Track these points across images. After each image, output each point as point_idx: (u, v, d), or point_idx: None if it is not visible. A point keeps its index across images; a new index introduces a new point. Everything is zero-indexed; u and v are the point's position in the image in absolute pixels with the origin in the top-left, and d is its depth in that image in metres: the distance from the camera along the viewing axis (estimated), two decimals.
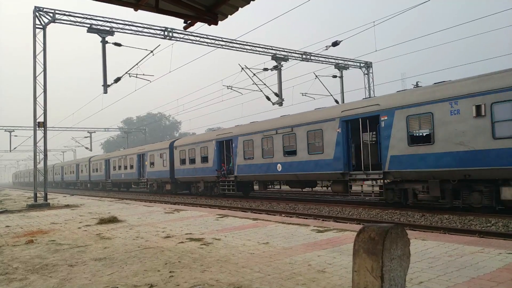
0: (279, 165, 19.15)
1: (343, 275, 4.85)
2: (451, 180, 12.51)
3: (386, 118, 14.06)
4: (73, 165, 56.88)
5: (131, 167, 36.27)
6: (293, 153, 18.21)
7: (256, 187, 24.70)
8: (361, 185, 15.31)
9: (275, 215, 13.88)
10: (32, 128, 19.65)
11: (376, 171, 14.63)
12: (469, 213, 12.24)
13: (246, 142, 21.43)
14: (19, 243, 8.31)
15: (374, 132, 15.70)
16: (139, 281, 5.01)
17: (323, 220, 12.40)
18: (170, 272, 5.39)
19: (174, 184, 29.68)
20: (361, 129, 15.49)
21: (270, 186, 22.77)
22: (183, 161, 27.79)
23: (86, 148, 57.06)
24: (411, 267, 3.68)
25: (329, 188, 18.03)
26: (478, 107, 11.57)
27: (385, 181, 14.44)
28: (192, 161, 26.63)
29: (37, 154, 20.06)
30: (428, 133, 13.04)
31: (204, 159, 25.27)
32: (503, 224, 10.43)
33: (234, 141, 22.45)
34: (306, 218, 12.62)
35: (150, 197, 29.01)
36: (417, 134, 13.53)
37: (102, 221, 11.26)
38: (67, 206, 18.68)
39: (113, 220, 11.45)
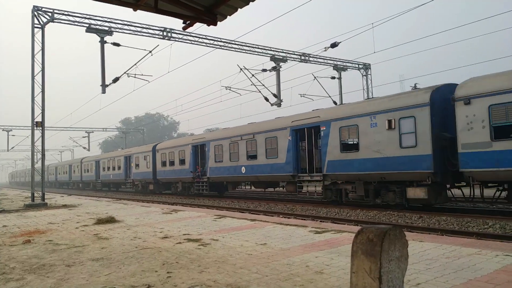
0: (243, 167, 21.61)
1: (341, 276, 4.86)
2: (372, 181, 14.84)
3: (324, 128, 16.67)
4: (66, 165, 59.12)
5: (119, 168, 38.71)
6: (254, 157, 20.71)
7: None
8: (307, 186, 18.11)
9: (273, 216, 13.89)
10: (30, 128, 19.59)
11: (318, 174, 17.13)
12: (466, 215, 12.28)
13: (217, 146, 23.85)
14: (16, 243, 8.28)
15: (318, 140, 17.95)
16: (136, 282, 5.00)
17: (321, 221, 12.40)
18: (167, 272, 5.38)
19: (156, 184, 31.93)
20: (306, 137, 18.19)
21: (239, 187, 25.84)
22: (164, 163, 30.19)
23: (84, 148, 56.92)
24: (408, 268, 3.68)
25: (284, 188, 20.52)
26: (389, 121, 13.92)
27: (325, 182, 16.76)
28: (172, 163, 29.00)
29: (35, 154, 20.01)
30: (355, 142, 15.46)
31: (182, 162, 27.58)
32: (500, 226, 10.46)
33: (207, 145, 24.90)
34: (304, 219, 12.62)
35: (148, 197, 29.14)
36: (347, 143, 15.91)
37: (100, 221, 11.24)
38: (64, 206, 18.63)
39: (110, 220, 11.43)
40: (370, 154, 14.61)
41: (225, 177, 23.54)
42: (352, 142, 15.71)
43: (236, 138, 22.14)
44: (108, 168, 41.54)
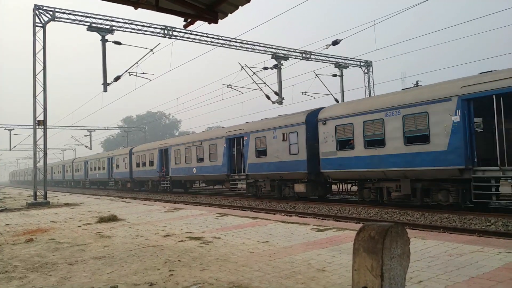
0: (194, 169, 26.54)
1: (343, 274, 4.86)
2: (276, 179, 19.72)
3: (246, 138, 21.62)
4: (60, 165, 65.20)
5: (103, 168, 43.80)
6: (202, 160, 25.44)
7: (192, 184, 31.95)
8: (241, 183, 23.05)
9: (274, 214, 13.89)
10: (32, 127, 19.63)
11: (242, 173, 21.91)
12: (468, 212, 12.26)
13: (176, 150, 28.72)
14: (19, 242, 8.31)
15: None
16: (139, 280, 5.01)
17: (322, 219, 12.40)
18: (169, 270, 5.39)
19: (133, 182, 37.06)
20: (235, 145, 22.86)
21: (194, 184, 31.98)
22: (138, 164, 35.23)
23: (86, 146, 57.05)
24: (410, 266, 3.68)
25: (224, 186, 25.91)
26: (283, 135, 18.83)
27: (248, 180, 21.72)
28: (144, 164, 34.04)
29: (37, 152, 20.05)
30: (264, 149, 20.10)
31: (151, 163, 32.68)
32: (503, 223, 10.44)
33: (169, 150, 29.76)
34: (306, 217, 12.62)
35: (150, 195, 29.33)
36: (259, 150, 20.50)
37: (102, 220, 11.26)
38: (66, 204, 18.68)
39: (112, 218, 11.45)
40: (273, 159, 19.36)
41: (182, 176, 28.37)
42: (262, 150, 20.22)
43: (189, 144, 27.17)
44: (95, 168, 46.69)
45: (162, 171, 30.64)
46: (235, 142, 22.77)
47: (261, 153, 20.28)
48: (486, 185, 11.71)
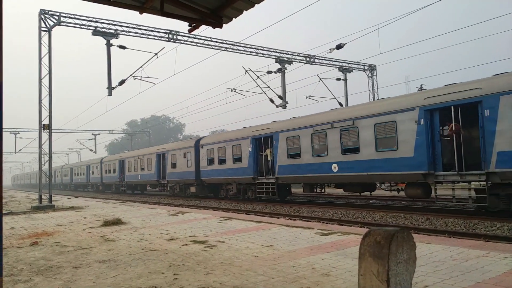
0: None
1: (348, 279, 4.84)
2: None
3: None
4: (58, 169, 69.57)
5: (93, 173, 49.97)
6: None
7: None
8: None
9: (278, 218, 13.86)
10: (37, 130, 19.74)
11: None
12: (474, 216, 12.19)
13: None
14: (24, 245, 8.34)
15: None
16: (143, 284, 5.02)
17: (327, 223, 12.35)
18: (174, 274, 5.39)
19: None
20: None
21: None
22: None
23: (91, 150, 57.26)
24: (416, 271, 3.66)
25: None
26: (184, 153, 25.67)
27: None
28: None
29: (42, 156, 20.15)
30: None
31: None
32: (509, 228, 10.35)
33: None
34: (310, 221, 12.59)
35: (154, 199, 29.39)
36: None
37: (106, 223, 11.28)
38: (71, 208, 18.73)
39: (117, 222, 11.47)
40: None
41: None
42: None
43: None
44: (78, 173, 55.74)
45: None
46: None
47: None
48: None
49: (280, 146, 19.27)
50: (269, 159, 20.72)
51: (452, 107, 12.16)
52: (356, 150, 15.28)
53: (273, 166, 19.88)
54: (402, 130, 13.50)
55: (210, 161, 25.23)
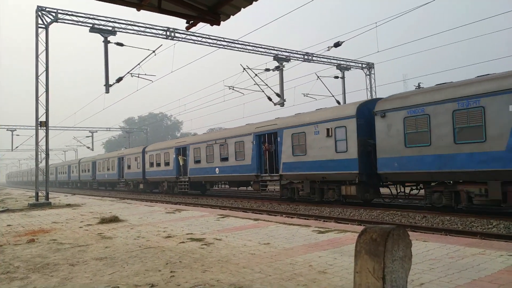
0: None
1: (344, 276, 4.85)
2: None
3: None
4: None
5: (65, 173, 60.11)
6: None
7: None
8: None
9: (276, 215, 13.89)
10: (34, 128, 19.67)
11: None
12: (470, 215, 12.23)
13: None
14: (21, 242, 8.33)
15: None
16: (140, 281, 5.02)
17: (324, 221, 12.39)
18: (171, 272, 5.39)
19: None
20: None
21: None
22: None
23: (88, 148, 57.12)
24: (412, 268, 3.67)
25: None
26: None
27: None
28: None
29: (39, 153, 20.09)
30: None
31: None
32: (505, 226, 10.41)
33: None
34: (307, 219, 12.61)
35: (151, 197, 29.36)
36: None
37: (103, 221, 11.27)
38: (68, 205, 18.71)
39: (114, 219, 11.46)
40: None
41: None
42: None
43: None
44: (62, 173, 63.80)
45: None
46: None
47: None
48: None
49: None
50: (181, 163, 27.34)
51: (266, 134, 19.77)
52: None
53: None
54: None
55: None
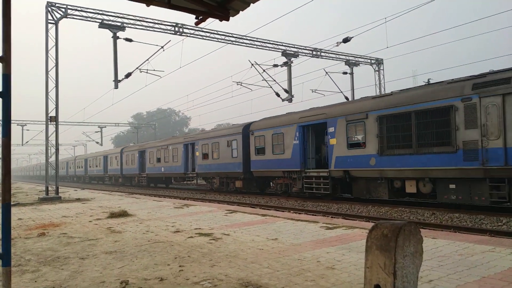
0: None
1: (352, 272, 4.85)
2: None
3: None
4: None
5: (63, 168, 66.92)
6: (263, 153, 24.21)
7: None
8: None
9: (283, 211, 13.89)
10: (44, 123, 19.86)
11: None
12: (479, 212, 12.14)
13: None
14: (31, 236, 8.44)
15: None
16: (149, 275, 5.06)
17: (332, 217, 12.36)
18: (179, 266, 5.43)
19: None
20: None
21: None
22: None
23: (97, 143, 57.61)
24: (421, 265, 3.66)
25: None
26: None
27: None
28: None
29: (49, 148, 20.29)
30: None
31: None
32: None
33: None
34: (315, 215, 12.60)
35: (160, 191, 29.54)
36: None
37: (113, 215, 11.37)
38: (78, 199, 18.90)
39: (123, 214, 11.55)
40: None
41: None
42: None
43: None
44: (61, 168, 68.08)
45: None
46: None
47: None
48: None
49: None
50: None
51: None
52: None
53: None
54: None
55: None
